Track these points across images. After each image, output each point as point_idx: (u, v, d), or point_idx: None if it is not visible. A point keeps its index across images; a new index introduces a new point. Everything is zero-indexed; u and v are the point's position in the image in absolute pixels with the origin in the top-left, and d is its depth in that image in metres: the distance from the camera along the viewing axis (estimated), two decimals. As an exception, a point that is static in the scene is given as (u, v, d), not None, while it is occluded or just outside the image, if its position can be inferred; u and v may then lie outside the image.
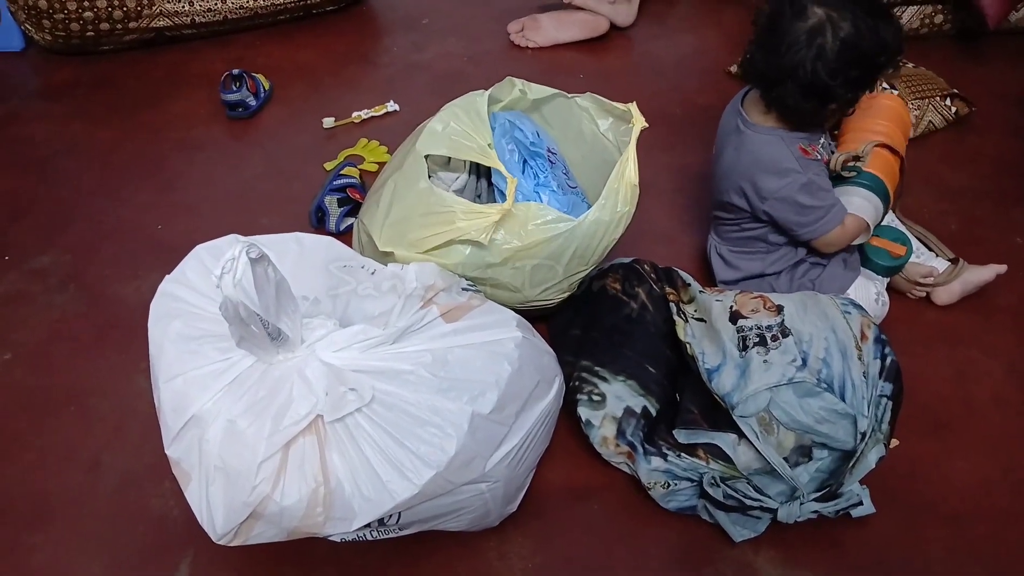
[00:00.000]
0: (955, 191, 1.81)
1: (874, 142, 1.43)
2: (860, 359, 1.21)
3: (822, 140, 1.41)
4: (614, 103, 1.39)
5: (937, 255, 1.56)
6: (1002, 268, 1.51)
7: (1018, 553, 1.23)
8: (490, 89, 1.38)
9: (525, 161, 1.34)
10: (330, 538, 1.04)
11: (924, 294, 1.52)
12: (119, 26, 2.03)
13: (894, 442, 1.26)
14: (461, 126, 1.28)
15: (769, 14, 1.30)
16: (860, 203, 1.39)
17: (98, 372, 1.43)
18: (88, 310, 1.54)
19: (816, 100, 1.29)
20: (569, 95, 1.46)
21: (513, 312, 1.19)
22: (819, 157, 1.38)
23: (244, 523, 0.97)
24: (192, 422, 0.99)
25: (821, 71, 1.25)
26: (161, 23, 2.07)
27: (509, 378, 1.07)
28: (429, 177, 1.28)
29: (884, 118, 1.47)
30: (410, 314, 1.08)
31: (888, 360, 1.23)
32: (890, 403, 1.21)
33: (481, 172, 1.47)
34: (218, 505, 0.97)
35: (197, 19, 2.10)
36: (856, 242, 1.43)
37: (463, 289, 1.21)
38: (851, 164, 1.40)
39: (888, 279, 1.48)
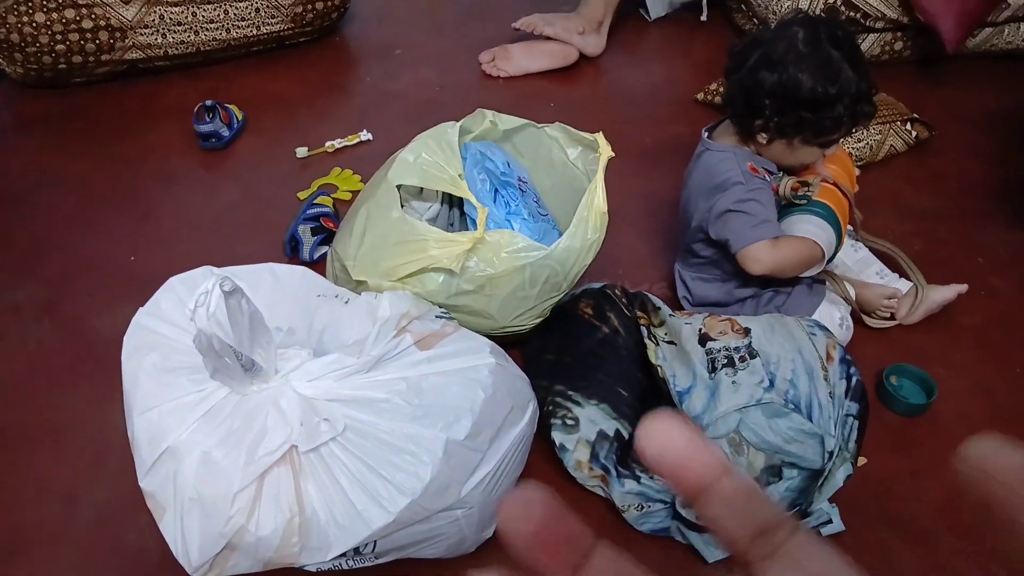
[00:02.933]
0: (918, 213, 1.85)
1: (821, 176, 1.46)
2: (826, 379, 1.24)
3: (782, 176, 1.45)
4: (582, 132, 1.43)
5: (903, 276, 1.59)
6: (963, 287, 1.55)
7: (987, 569, 1.25)
8: (462, 120, 1.41)
9: (496, 190, 1.37)
10: (306, 568, 1.04)
11: (888, 315, 1.55)
12: (92, 59, 2.04)
13: (861, 460, 1.29)
14: (433, 156, 1.30)
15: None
16: (812, 229, 1.40)
17: (74, 405, 1.43)
18: (63, 343, 1.54)
19: (744, 99, 1.37)
20: (539, 125, 1.48)
21: (486, 339, 1.21)
22: (766, 179, 1.42)
23: (220, 555, 0.98)
24: (167, 454, 0.99)
25: (763, 78, 1.33)
26: (134, 55, 2.08)
27: (483, 404, 1.08)
28: (402, 206, 1.30)
29: (830, 162, 1.50)
30: (384, 342, 1.09)
31: (854, 380, 1.26)
32: (856, 422, 1.24)
33: (453, 201, 1.49)
34: (193, 537, 0.98)
35: (170, 51, 2.11)
36: (811, 272, 1.42)
37: (436, 317, 1.22)
38: (801, 192, 1.43)
39: (851, 308, 1.51)
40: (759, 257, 1.36)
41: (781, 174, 1.46)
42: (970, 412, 1.45)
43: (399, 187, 1.30)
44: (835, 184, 1.47)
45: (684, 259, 1.57)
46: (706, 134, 1.50)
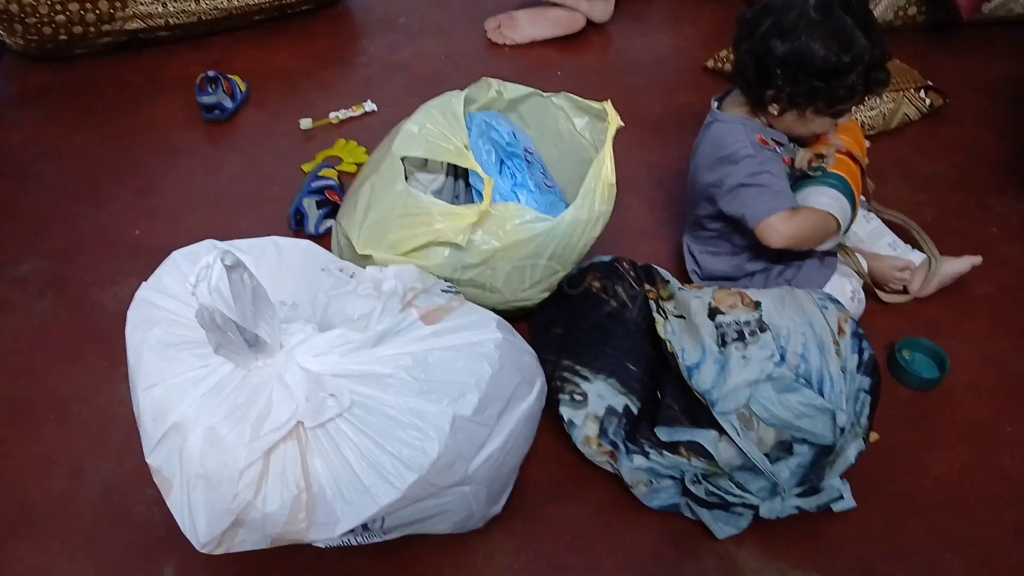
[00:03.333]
0: (931, 182, 1.82)
1: (835, 147, 1.43)
2: (838, 354, 1.22)
3: (794, 147, 1.43)
4: (589, 102, 1.40)
5: (915, 248, 1.57)
6: (977, 259, 1.52)
7: (997, 541, 1.24)
8: (466, 90, 1.38)
9: (502, 161, 1.35)
10: (315, 544, 1.04)
11: (901, 287, 1.53)
12: (92, 29, 2.02)
13: (873, 436, 1.27)
14: (437, 127, 1.28)
15: None
16: (827, 201, 1.38)
17: (79, 379, 1.42)
18: (68, 317, 1.53)
19: (756, 68, 1.33)
20: (545, 94, 1.46)
21: (493, 313, 1.20)
22: (776, 150, 1.39)
23: (227, 531, 0.97)
24: (172, 430, 0.99)
25: (774, 47, 1.30)
26: (135, 25, 2.05)
27: (490, 379, 1.07)
28: (407, 179, 1.28)
29: (842, 132, 1.47)
30: (390, 317, 1.08)
31: (866, 354, 1.24)
32: (868, 397, 1.23)
33: (459, 173, 1.47)
34: (200, 513, 0.97)
35: (171, 21, 2.08)
36: (826, 245, 1.41)
37: (443, 291, 1.21)
38: (816, 164, 1.41)
39: (863, 281, 1.49)
40: (777, 228, 1.33)
41: (792, 145, 1.43)
42: (982, 384, 1.43)
43: (404, 159, 1.28)
44: (848, 154, 1.44)
45: (692, 232, 1.54)
46: (715, 104, 1.47)
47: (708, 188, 1.42)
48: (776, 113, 1.37)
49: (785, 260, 1.45)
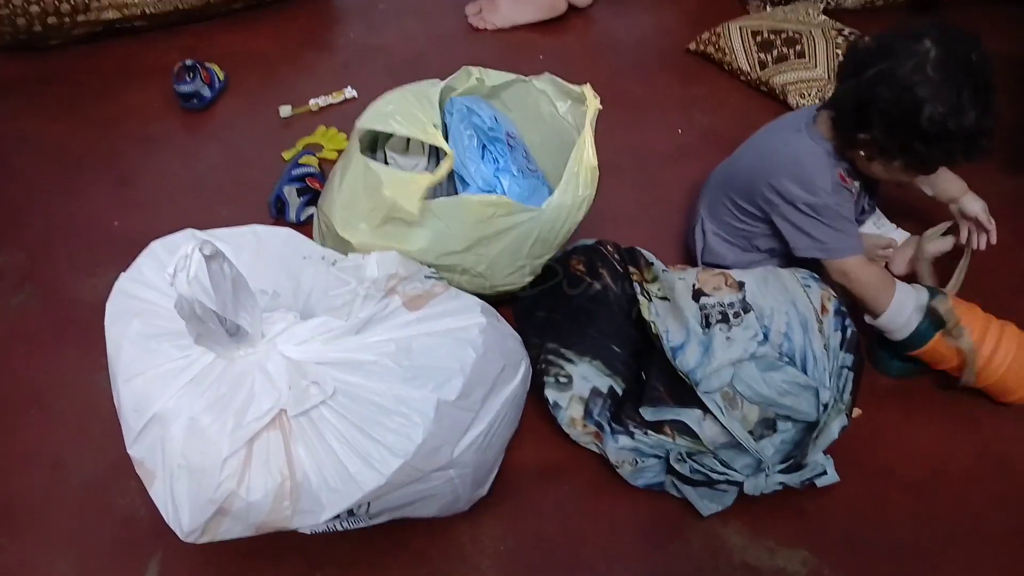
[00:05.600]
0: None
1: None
2: (821, 331, 1.23)
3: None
4: (570, 84, 1.39)
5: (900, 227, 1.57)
6: (961, 239, 1.52)
7: (979, 516, 1.26)
8: (447, 80, 1.37)
9: (484, 147, 1.34)
10: (300, 530, 1.04)
11: (883, 264, 1.53)
12: (67, 20, 1.98)
13: (856, 412, 1.28)
14: (408, 107, 1.26)
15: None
16: (902, 296, 1.32)
17: (58, 371, 1.41)
18: (46, 309, 1.52)
19: (855, 109, 1.25)
20: (526, 78, 1.45)
21: (477, 298, 1.19)
22: (853, 191, 1.35)
23: (211, 520, 0.97)
24: (154, 421, 0.98)
25: (880, 94, 1.21)
26: (111, 15, 2.02)
27: (474, 364, 1.07)
28: (387, 162, 1.27)
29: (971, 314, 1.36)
30: (372, 304, 1.08)
31: (848, 331, 1.25)
32: (851, 374, 1.24)
33: (441, 158, 1.46)
34: (184, 503, 0.97)
35: (148, 10, 2.05)
36: (871, 315, 1.35)
37: (426, 277, 1.20)
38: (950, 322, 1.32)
39: None
40: (849, 271, 1.32)
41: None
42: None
43: (384, 143, 1.27)
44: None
45: (715, 214, 1.51)
46: (810, 115, 1.37)
47: (764, 192, 1.36)
48: (865, 155, 1.30)
49: (780, 257, 1.43)
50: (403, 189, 1.20)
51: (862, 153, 1.29)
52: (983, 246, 1.46)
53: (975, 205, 1.44)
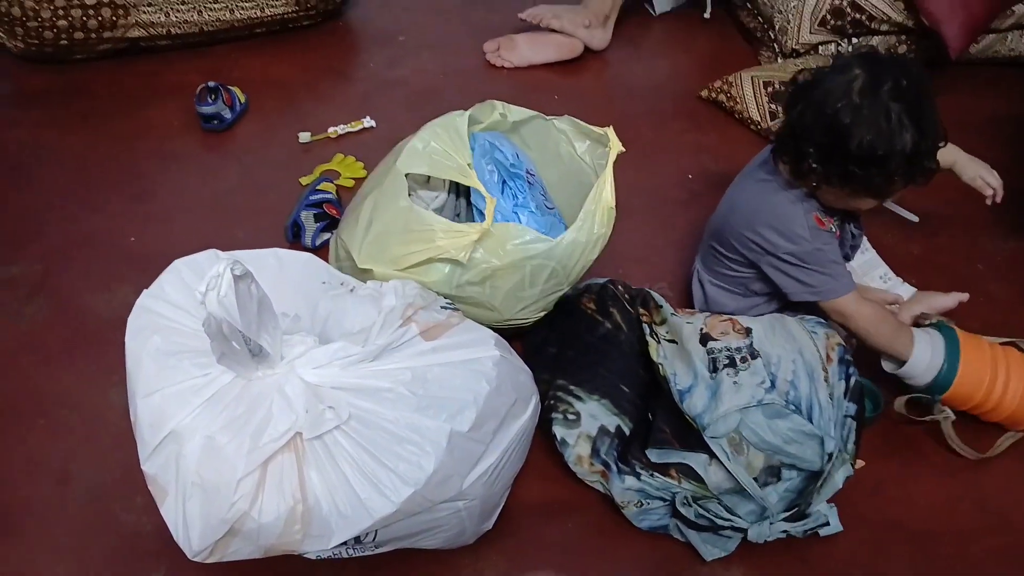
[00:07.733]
0: (920, 218, 1.85)
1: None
2: (826, 380, 1.24)
3: (849, 228, 1.43)
4: (591, 126, 1.42)
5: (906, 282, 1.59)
6: (964, 296, 1.54)
7: (979, 569, 1.26)
8: (471, 110, 1.40)
9: (504, 182, 1.36)
10: (306, 555, 1.04)
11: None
12: (93, 35, 2.01)
13: (860, 463, 1.29)
14: (441, 145, 1.29)
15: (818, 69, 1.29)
16: (923, 347, 1.35)
17: (68, 384, 1.42)
18: (58, 321, 1.52)
19: (792, 140, 1.28)
20: (547, 117, 1.48)
21: (491, 331, 1.21)
22: (833, 231, 1.36)
23: (221, 540, 0.97)
24: (170, 438, 0.99)
25: (811, 124, 1.24)
26: (136, 33, 2.05)
27: (487, 396, 1.08)
28: (409, 195, 1.29)
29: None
30: (390, 332, 1.09)
31: (852, 380, 1.26)
32: (854, 423, 1.25)
33: (460, 191, 1.49)
34: (195, 522, 0.97)
35: (173, 30, 2.08)
36: (886, 360, 1.38)
37: (442, 307, 1.21)
38: (925, 322, 1.38)
39: None
40: (843, 310, 1.34)
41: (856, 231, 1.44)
42: (966, 417, 1.45)
43: (407, 176, 1.29)
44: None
45: (708, 264, 1.52)
46: (771, 160, 1.39)
47: (749, 243, 1.38)
48: (815, 185, 1.31)
49: (792, 308, 1.43)
50: (457, 241, 1.23)
51: (812, 182, 1.31)
52: (998, 200, 1.51)
53: (968, 171, 1.45)
